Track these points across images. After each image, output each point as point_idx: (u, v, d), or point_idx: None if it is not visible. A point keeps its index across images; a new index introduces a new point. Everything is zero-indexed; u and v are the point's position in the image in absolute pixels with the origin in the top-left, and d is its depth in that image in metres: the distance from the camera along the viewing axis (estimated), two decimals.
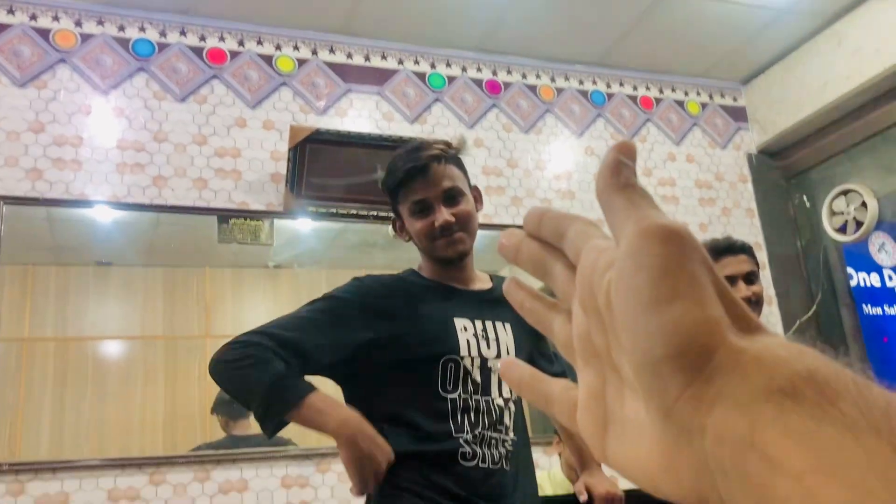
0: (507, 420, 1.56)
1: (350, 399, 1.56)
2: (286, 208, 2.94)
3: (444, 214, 1.57)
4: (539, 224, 0.33)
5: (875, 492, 0.20)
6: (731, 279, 2.02)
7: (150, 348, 3.38)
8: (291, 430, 2.90)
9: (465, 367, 1.53)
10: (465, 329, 1.56)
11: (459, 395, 1.51)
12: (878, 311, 3.67)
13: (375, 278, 1.61)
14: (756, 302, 2.04)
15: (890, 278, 3.75)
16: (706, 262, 0.26)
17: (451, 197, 1.59)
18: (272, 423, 1.43)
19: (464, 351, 1.54)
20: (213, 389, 3.26)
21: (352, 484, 1.44)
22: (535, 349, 1.72)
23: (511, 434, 1.57)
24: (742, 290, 2.02)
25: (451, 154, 1.62)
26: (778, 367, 0.23)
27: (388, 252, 3.49)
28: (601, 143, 3.56)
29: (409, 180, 1.57)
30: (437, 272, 1.63)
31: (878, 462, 0.20)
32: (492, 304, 1.63)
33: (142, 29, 2.96)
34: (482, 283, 1.69)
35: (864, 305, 3.65)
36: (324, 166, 2.87)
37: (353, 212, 3.03)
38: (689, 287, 0.25)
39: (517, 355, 1.61)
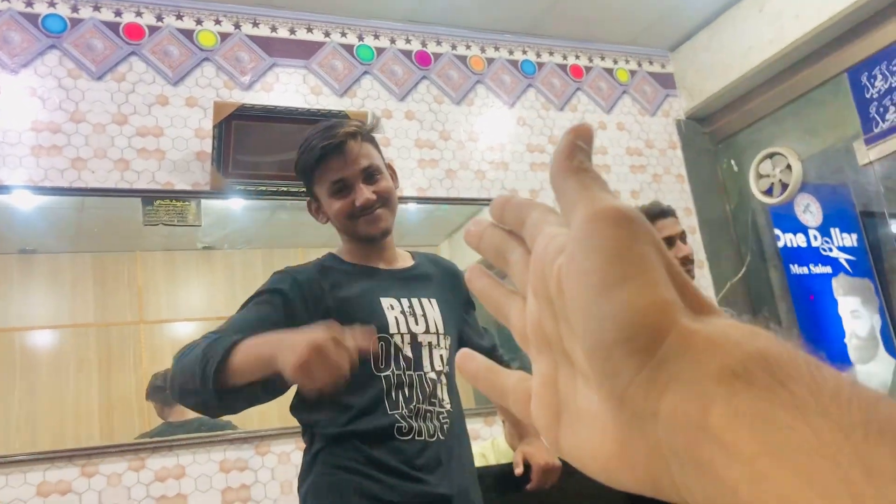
0: (440, 393, 1.56)
1: None
2: (213, 187, 2.87)
3: (364, 192, 1.54)
4: (502, 212, 0.33)
5: (823, 475, 0.20)
6: (669, 240, 2.06)
7: (81, 337, 3.29)
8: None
9: (395, 345, 1.52)
10: (392, 307, 1.55)
11: (392, 372, 1.50)
12: (805, 270, 3.78)
13: (298, 268, 1.57)
14: (691, 261, 2.09)
15: (815, 238, 3.87)
16: (657, 244, 0.26)
17: (370, 175, 1.56)
18: (211, 391, 1.28)
19: (393, 328, 1.52)
20: (150, 376, 3.20)
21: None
22: (465, 324, 1.73)
23: (446, 406, 1.56)
24: (683, 249, 2.06)
25: (366, 132, 1.60)
26: (729, 348, 0.23)
27: (323, 230, 3.43)
28: (532, 112, 3.56)
29: (325, 159, 1.54)
30: (358, 253, 1.61)
31: (827, 444, 0.20)
32: (416, 281, 1.62)
33: (51, 4, 2.83)
34: (404, 260, 1.68)
35: (791, 265, 3.76)
36: (251, 143, 2.80)
37: (284, 189, 2.98)
38: (640, 269, 0.25)
39: (446, 330, 1.60)
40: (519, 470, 1.70)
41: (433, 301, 1.62)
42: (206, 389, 1.30)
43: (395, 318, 1.54)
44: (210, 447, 2.63)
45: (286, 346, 1.23)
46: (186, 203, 2.84)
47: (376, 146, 1.63)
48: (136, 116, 2.85)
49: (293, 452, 2.71)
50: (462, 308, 1.72)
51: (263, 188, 2.95)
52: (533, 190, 3.43)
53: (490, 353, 1.76)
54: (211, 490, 2.59)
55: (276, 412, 2.84)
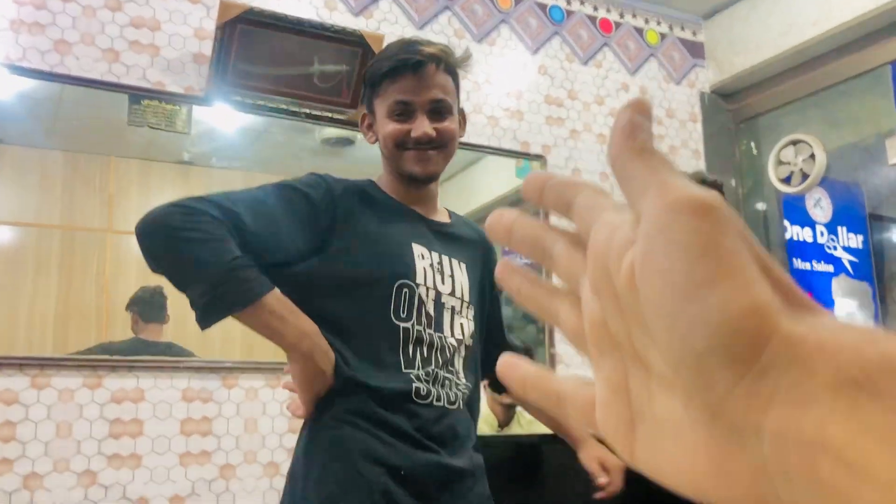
0: (457, 363, 1.41)
1: None
2: (208, 94, 2.62)
3: (424, 125, 1.37)
4: (540, 193, 0.29)
5: None
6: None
7: (44, 238, 3.07)
8: (193, 340, 2.70)
9: (419, 297, 1.35)
10: (423, 257, 1.39)
11: (413, 326, 1.34)
12: (808, 266, 3.66)
13: (335, 179, 1.39)
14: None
15: (822, 234, 3.74)
16: (745, 236, 0.23)
17: (438, 111, 1.39)
18: (216, 314, 1.18)
19: (420, 278, 1.36)
20: (114, 288, 2.99)
21: (300, 402, 1.28)
22: (491, 304, 1.58)
23: (462, 378, 1.41)
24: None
25: (453, 61, 1.41)
26: (846, 355, 0.20)
27: (319, 159, 3.22)
28: (555, 62, 3.34)
29: (397, 74, 1.37)
30: (398, 190, 1.44)
31: None
32: (449, 239, 1.47)
33: None
34: (441, 215, 1.52)
35: (794, 259, 3.64)
36: (254, 51, 2.56)
37: (283, 107, 2.74)
38: (731, 267, 0.22)
39: (471, 299, 1.46)
40: (604, 479, 1.58)
41: (463, 266, 1.47)
42: (207, 311, 1.17)
43: (424, 268, 1.38)
44: (174, 373, 2.44)
45: (308, 346, 1.24)
46: (177, 107, 2.60)
47: (457, 83, 1.44)
48: (131, 4, 2.59)
49: (262, 389, 2.53)
50: (490, 284, 1.57)
51: (262, 102, 2.71)
52: (546, 145, 3.24)
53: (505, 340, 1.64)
54: (170, 419, 2.40)
55: (240, 344, 2.68)
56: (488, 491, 1.40)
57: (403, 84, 1.37)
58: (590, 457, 1.60)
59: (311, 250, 1.31)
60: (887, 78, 3.06)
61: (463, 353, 1.44)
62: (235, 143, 3.05)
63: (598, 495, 1.56)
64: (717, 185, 1.93)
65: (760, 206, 3.69)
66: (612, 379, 0.27)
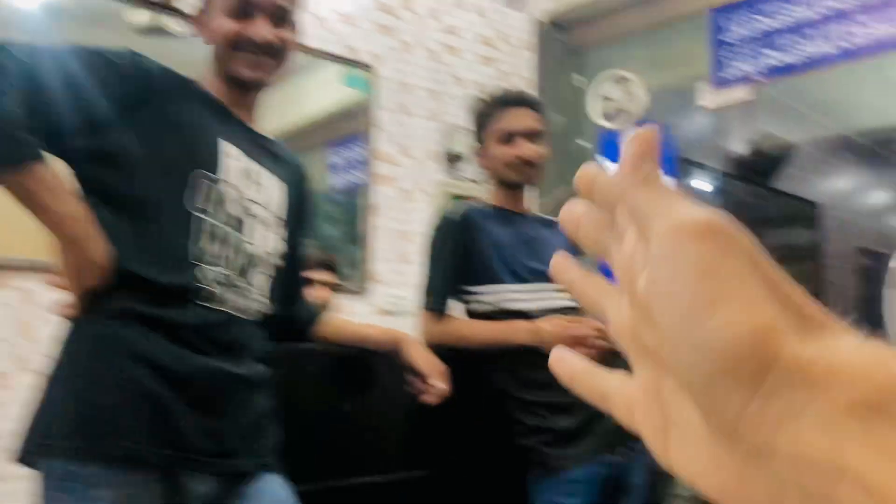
0: (256, 277, 1.29)
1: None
2: None
3: (264, 28, 1.27)
4: (590, 192, 0.30)
5: None
6: (510, 135, 1.84)
7: None
8: None
9: (220, 193, 1.22)
10: (231, 156, 1.26)
11: (209, 218, 1.20)
12: None
13: (154, 60, 1.25)
14: (536, 164, 1.88)
15: None
16: (752, 256, 0.23)
17: (282, 17, 1.29)
18: None
19: (223, 174, 1.23)
20: None
21: (70, 296, 1.13)
22: (300, 228, 1.48)
23: (260, 297, 1.30)
24: (523, 147, 1.84)
25: None
26: (857, 376, 0.21)
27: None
28: None
29: None
30: (220, 92, 1.32)
31: None
32: (268, 154, 1.36)
33: None
34: (261, 129, 1.40)
35: None
36: None
37: None
38: (733, 288, 0.23)
39: (285, 218, 1.36)
40: (432, 381, 1.52)
41: (278, 183, 1.36)
42: None
43: (230, 166, 1.25)
44: None
45: (80, 231, 1.10)
46: None
47: None
48: None
49: (40, 292, 2.26)
50: (304, 218, 1.49)
51: None
52: (376, 54, 3.09)
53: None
54: None
55: (14, 238, 2.37)
56: (272, 404, 1.30)
57: None
58: (418, 357, 1.54)
59: (107, 122, 1.16)
60: (706, 23, 3.16)
61: (266, 269, 1.32)
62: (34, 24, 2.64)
63: (427, 399, 1.50)
64: (526, 102, 1.89)
65: (581, 140, 3.76)
66: (648, 383, 0.28)
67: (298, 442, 1.43)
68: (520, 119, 1.85)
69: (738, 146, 4.52)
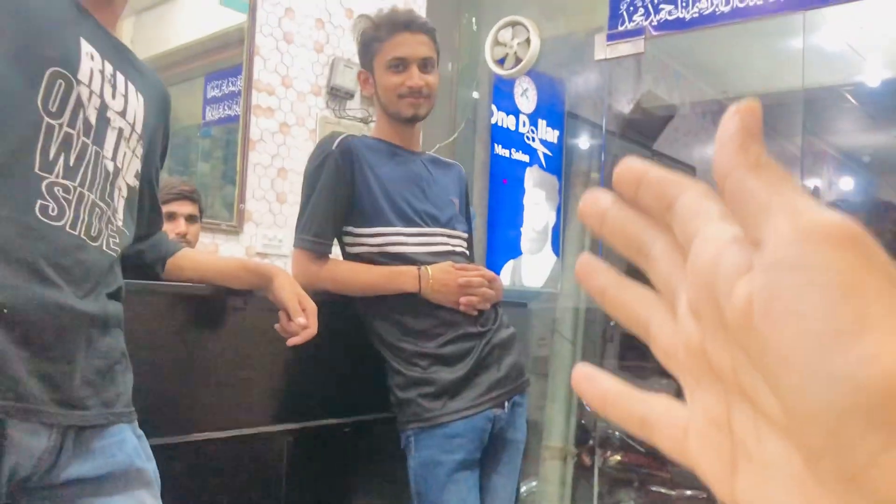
0: (115, 197, 1.11)
1: None
2: None
3: None
4: (636, 188, 0.26)
5: None
6: (403, 61, 1.70)
7: None
8: None
9: (79, 97, 1.04)
10: (92, 58, 1.08)
11: (61, 126, 1.01)
12: (506, 153, 3.74)
13: None
14: (428, 95, 1.75)
15: (524, 125, 3.84)
16: (891, 273, 0.20)
17: None
18: None
19: (83, 76, 1.05)
20: None
21: None
22: (154, 151, 1.29)
23: (120, 219, 1.13)
24: (414, 76, 1.71)
25: None
26: None
27: None
28: None
29: None
30: None
31: None
32: (128, 64, 1.19)
33: None
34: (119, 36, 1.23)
35: (496, 144, 3.69)
36: None
37: None
38: (881, 312, 0.19)
39: (143, 134, 1.19)
40: (302, 320, 1.36)
41: (140, 96, 1.18)
42: None
43: (91, 69, 1.07)
44: None
45: None
46: None
47: None
48: None
49: None
50: (163, 143, 1.31)
51: None
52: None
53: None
54: None
55: None
56: (123, 346, 1.13)
57: None
58: (283, 293, 1.38)
59: None
60: None
61: (124, 190, 1.14)
62: None
63: (293, 341, 1.35)
64: (418, 26, 1.73)
65: (472, 86, 3.65)
66: (712, 411, 0.25)
67: (147, 391, 1.26)
68: (411, 45, 1.70)
69: (624, 105, 4.56)
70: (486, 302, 1.67)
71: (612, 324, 4.14)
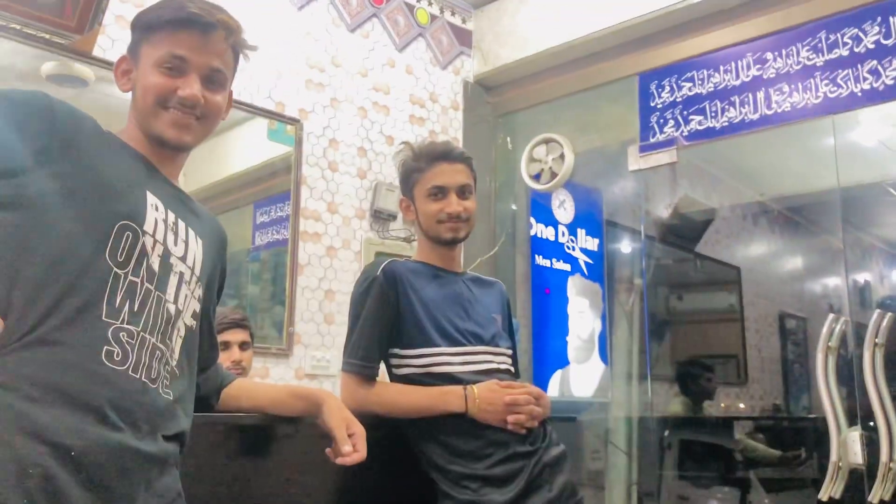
0: (174, 338, 1.17)
1: None
2: None
3: (195, 86, 1.22)
4: None
5: None
6: (442, 189, 1.78)
7: None
8: None
9: (144, 246, 1.12)
10: (157, 209, 1.16)
11: (126, 274, 1.09)
12: (547, 263, 3.79)
13: (66, 102, 1.15)
14: (466, 219, 1.82)
15: (563, 234, 3.90)
16: None
17: (213, 80, 1.25)
18: None
19: (149, 227, 1.13)
20: None
21: None
22: (215, 293, 1.39)
23: (176, 358, 1.18)
24: (453, 203, 1.78)
25: (243, 39, 1.30)
26: None
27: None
28: (320, 25, 3.13)
29: (183, 27, 1.21)
30: (142, 145, 1.24)
31: None
32: (188, 210, 1.28)
33: None
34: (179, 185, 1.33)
35: (536, 255, 3.74)
36: None
37: None
38: None
39: (201, 277, 1.26)
40: (348, 447, 1.39)
41: (200, 241, 1.27)
42: None
43: (156, 220, 1.16)
44: None
45: None
46: None
47: (236, 63, 1.33)
48: None
49: None
50: (220, 282, 1.40)
51: None
52: (303, 109, 2.99)
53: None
54: None
55: None
56: (179, 486, 1.16)
57: (186, 39, 1.21)
58: (336, 420, 1.41)
59: (20, 166, 1.06)
60: (634, 88, 3.21)
61: (182, 331, 1.20)
62: None
63: (341, 461, 1.37)
64: (456, 157, 1.82)
65: (510, 201, 3.75)
66: None
67: None
68: (449, 174, 1.79)
69: (662, 210, 4.60)
70: (533, 420, 1.67)
71: (667, 433, 4.04)
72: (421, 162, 1.80)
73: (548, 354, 3.74)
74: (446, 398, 1.65)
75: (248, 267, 3.26)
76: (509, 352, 1.84)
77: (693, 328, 5.34)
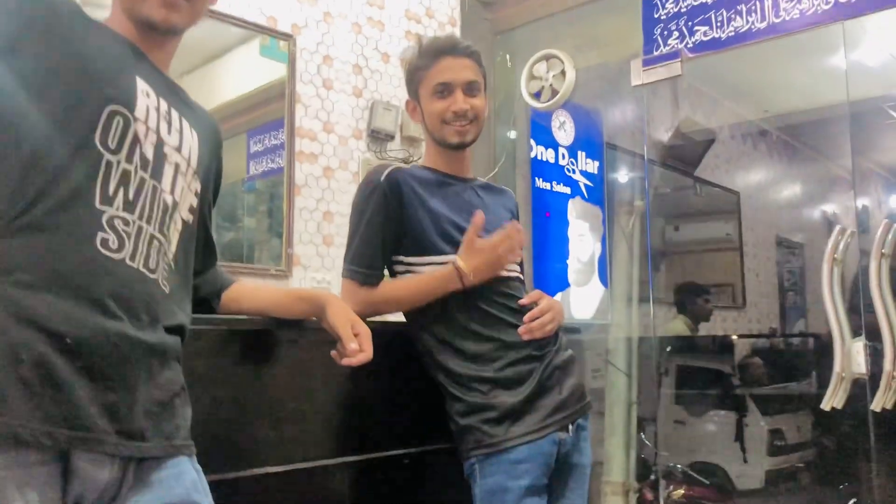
0: (171, 230, 1.13)
1: None
2: None
3: None
4: None
5: None
6: (448, 86, 1.69)
7: None
8: None
9: (136, 133, 1.06)
10: (148, 95, 1.11)
11: (120, 162, 1.04)
12: (548, 186, 3.73)
13: None
14: (474, 118, 1.73)
15: (563, 157, 3.83)
16: None
17: None
18: None
19: (140, 113, 1.08)
20: None
21: None
22: (211, 193, 1.34)
23: (173, 251, 1.15)
24: (459, 100, 1.70)
25: None
26: None
27: None
28: None
29: None
30: (131, 32, 1.17)
31: None
32: (182, 103, 1.22)
33: None
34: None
35: (536, 178, 3.69)
36: None
37: None
38: None
39: (198, 170, 1.21)
40: (354, 345, 1.37)
41: (195, 133, 1.21)
42: None
43: (147, 107, 1.10)
44: None
45: None
46: None
47: None
48: None
49: None
50: (216, 182, 1.35)
51: None
52: (295, 24, 2.89)
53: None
54: None
55: None
56: (182, 380, 1.12)
57: None
58: (341, 320, 1.37)
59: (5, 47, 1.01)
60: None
61: (179, 224, 1.15)
62: None
63: (346, 362, 1.34)
64: (462, 51, 1.73)
65: (510, 122, 3.67)
66: None
67: (203, 426, 1.26)
68: (455, 69, 1.70)
69: (662, 133, 4.53)
70: (546, 328, 1.65)
71: (668, 349, 4.06)
72: (424, 59, 1.72)
73: (548, 277, 3.71)
74: (444, 279, 1.61)
75: (243, 197, 3.20)
76: (518, 259, 1.80)
77: (692, 257, 5.34)
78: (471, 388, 1.58)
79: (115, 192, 1.03)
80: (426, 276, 1.63)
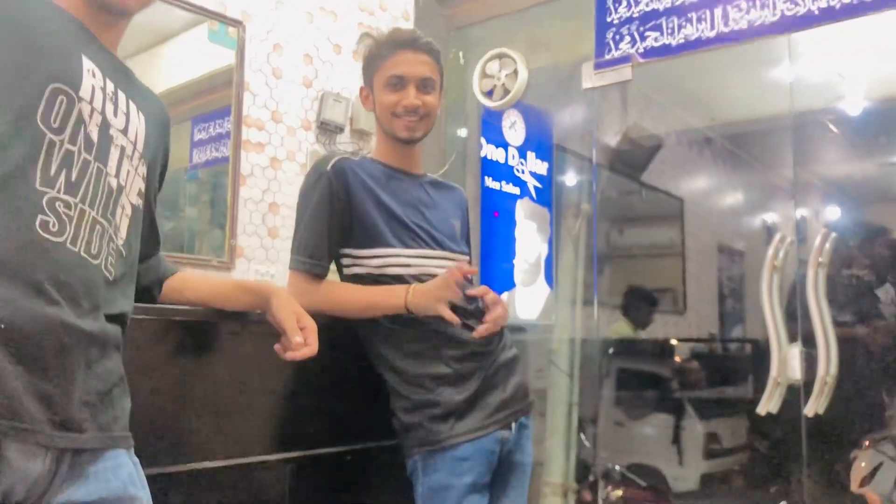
0: (118, 215, 1.08)
1: None
2: None
3: None
4: None
5: None
6: (402, 80, 1.68)
7: None
8: None
9: (80, 113, 1.02)
10: (94, 75, 1.06)
11: (63, 142, 0.99)
12: (497, 185, 3.73)
13: None
14: (425, 115, 1.72)
15: (513, 157, 3.84)
16: None
17: None
18: None
19: (85, 93, 1.03)
20: None
21: None
22: (158, 178, 1.28)
23: (122, 237, 1.10)
24: (410, 95, 1.68)
25: None
26: None
27: None
28: None
29: None
30: (80, 10, 1.12)
31: None
32: (130, 84, 1.18)
33: None
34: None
35: (486, 177, 3.68)
36: None
37: None
38: None
39: (144, 153, 1.16)
40: (299, 339, 1.33)
41: (142, 116, 1.16)
42: None
43: (93, 86, 1.05)
44: None
45: None
46: None
47: None
48: None
49: None
50: (162, 168, 1.30)
51: None
52: (245, 12, 2.83)
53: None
54: None
55: None
56: (122, 370, 1.08)
57: None
58: (286, 312, 1.33)
59: None
60: (591, 2, 3.13)
61: (128, 209, 1.11)
62: None
63: (290, 356, 1.30)
64: (419, 45, 1.71)
65: (461, 120, 3.66)
66: None
67: (141, 418, 1.21)
68: (411, 64, 1.68)
69: (611, 137, 4.58)
70: (498, 323, 1.63)
71: (610, 351, 4.10)
72: (383, 49, 1.70)
73: (495, 277, 3.71)
74: (389, 296, 1.59)
75: (185, 186, 3.12)
76: (466, 257, 1.79)
77: (636, 261, 5.41)
78: (416, 384, 1.56)
79: (57, 173, 0.99)
80: (378, 289, 1.61)
